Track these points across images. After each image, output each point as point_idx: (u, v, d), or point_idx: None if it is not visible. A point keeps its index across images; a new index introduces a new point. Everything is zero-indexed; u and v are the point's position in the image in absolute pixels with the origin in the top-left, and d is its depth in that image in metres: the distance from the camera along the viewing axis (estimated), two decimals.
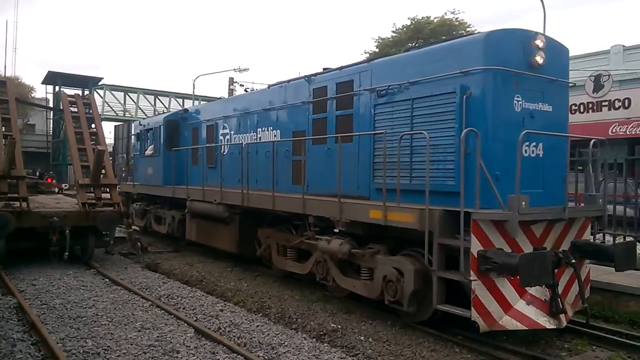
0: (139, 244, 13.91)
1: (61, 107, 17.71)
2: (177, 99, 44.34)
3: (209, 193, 11.89)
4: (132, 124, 19.95)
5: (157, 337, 7.05)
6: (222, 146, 12.57)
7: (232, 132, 12.38)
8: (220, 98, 15.09)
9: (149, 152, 15.68)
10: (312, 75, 9.94)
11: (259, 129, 11.33)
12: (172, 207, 14.43)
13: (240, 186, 10.55)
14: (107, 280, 10.62)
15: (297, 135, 10.07)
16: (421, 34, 36.14)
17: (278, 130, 10.70)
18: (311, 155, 9.61)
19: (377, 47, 38.00)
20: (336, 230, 8.32)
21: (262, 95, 11.69)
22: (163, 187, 14.39)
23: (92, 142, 13.87)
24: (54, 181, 29.34)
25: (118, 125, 40.25)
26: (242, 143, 11.28)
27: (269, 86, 11.51)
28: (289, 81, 10.64)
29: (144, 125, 16.47)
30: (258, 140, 11.23)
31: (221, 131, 12.84)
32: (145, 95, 43.13)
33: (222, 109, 13.19)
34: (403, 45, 34.73)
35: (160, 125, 15.02)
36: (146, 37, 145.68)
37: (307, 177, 9.58)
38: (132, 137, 18.74)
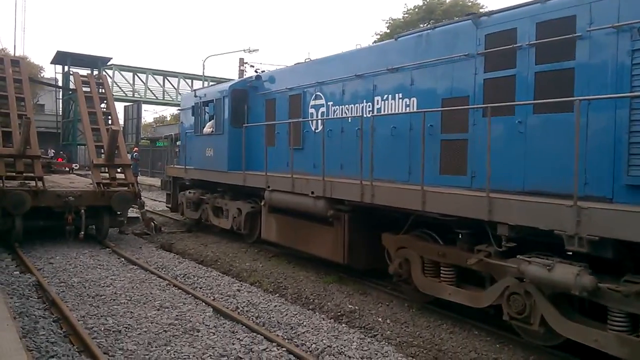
0: (152, 223, 13.97)
1: (73, 87, 17.42)
2: (186, 80, 44.12)
3: (301, 183, 9.28)
4: (183, 97, 17.14)
5: (177, 315, 7.11)
6: (315, 122, 10.12)
7: (331, 103, 9.68)
8: (307, 60, 11.83)
9: (207, 129, 13.04)
10: (482, 14, 7.22)
11: (378, 98, 8.61)
12: (237, 196, 12.18)
13: (356, 175, 8.10)
14: (123, 259, 10.69)
15: (449, 103, 7.35)
16: (433, 14, 35.69)
17: (413, 98, 7.98)
18: (480, 131, 6.75)
19: (387, 27, 37.58)
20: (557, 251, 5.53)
21: (381, 52, 8.89)
22: (228, 172, 11.78)
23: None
24: (64, 161, 29.49)
25: (128, 105, 40.36)
26: (346, 117, 9.11)
27: (396, 38, 8.72)
28: (434, 27, 7.94)
29: (200, 97, 13.52)
30: (376, 113, 8.47)
31: (311, 102, 10.25)
32: (154, 76, 42.91)
33: (312, 73, 10.30)
34: (415, 25, 34.35)
35: (224, 97, 12.28)
36: (155, 16, 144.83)
37: (473, 164, 6.96)
38: (181, 112, 16.02)
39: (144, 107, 42.44)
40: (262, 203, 10.65)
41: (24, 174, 11.68)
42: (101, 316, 6.99)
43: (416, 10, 36.86)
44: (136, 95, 41.69)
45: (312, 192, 8.92)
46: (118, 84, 40.15)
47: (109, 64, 40.46)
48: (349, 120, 9.08)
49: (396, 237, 7.82)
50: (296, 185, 9.41)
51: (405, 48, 8.21)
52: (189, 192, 13.95)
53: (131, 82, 42.07)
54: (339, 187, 8.44)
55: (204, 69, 44.56)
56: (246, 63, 36.57)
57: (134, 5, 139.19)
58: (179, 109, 16.78)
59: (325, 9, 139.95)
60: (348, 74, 9.25)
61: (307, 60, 11.58)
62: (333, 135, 9.42)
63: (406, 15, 37.29)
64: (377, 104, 8.62)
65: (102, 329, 6.50)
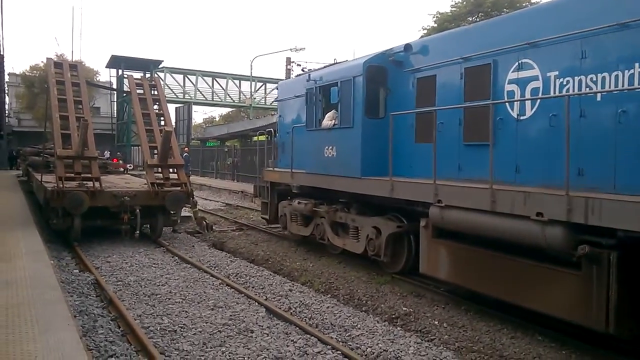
0: (204, 222, 14.16)
1: (127, 89, 17.78)
2: (234, 80, 44.87)
3: (511, 198, 6.26)
4: (283, 85, 14.08)
5: (230, 315, 7.10)
6: (518, 104, 7.08)
7: (555, 74, 6.62)
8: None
9: (327, 122, 10.21)
10: None
11: None
12: (367, 210, 9.55)
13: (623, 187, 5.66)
14: (177, 258, 10.85)
15: None
16: (482, 7, 34.67)
17: None
18: None
19: (435, 22, 36.83)
20: None
21: None
22: (362, 179, 9.07)
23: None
24: (119, 162, 30.51)
25: (179, 106, 41.36)
26: (594, 92, 6.10)
27: None
28: None
29: (316, 81, 10.61)
30: None
31: (510, 75, 7.23)
32: (204, 77, 43.87)
33: (509, 31, 7.36)
34: (463, 20, 33.50)
35: (354, 77, 9.33)
36: (203, 19, 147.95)
37: None
38: (281, 104, 13.34)
39: (194, 108, 43.39)
40: (423, 224, 7.76)
41: (82, 175, 12.05)
42: (157, 315, 7.06)
43: (464, 3, 35.93)
44: (186, 96, 42.75)
45: (540, 214, 5.84)
46: (169, 85, 41.26)
47: (160, 66, 41.62)
48: (598, 99, 6.09)
49: None
50: (500, 200, 6.38)
51: None
52: (297, 203, 11.13)
53: (181, 83, 43.16)
54: (611, 208, 5.21)
55: (251, 69, 45.27)
56: (293, 62, 36.69)
57: (183, 8, 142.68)
58: (276, 100, 13.73)
59: (371, 4, 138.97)
60: (592, 25, 6.09)
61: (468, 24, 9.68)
62: (558, 122, 6.35)
63: (454, 8, 36.41)
64: None
65: (158, 328, 6.56)
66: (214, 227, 14.38)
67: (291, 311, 7.42)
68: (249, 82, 44.02)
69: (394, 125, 8.64)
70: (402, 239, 8.81)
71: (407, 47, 9.10)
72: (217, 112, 67.01)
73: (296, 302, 7.76)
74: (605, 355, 5.76)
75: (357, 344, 6.22)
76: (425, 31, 35.69)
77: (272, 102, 45.59)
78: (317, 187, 10.65)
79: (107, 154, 31.25)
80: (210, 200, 22.84)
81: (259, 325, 6.74)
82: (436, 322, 6.92)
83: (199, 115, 77.74)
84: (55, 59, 20.05)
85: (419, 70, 8.88)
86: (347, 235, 9.99)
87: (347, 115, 9.59)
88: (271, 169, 12.85)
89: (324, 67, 11.73)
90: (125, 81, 23.27)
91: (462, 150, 7.93)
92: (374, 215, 9.31)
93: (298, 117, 11.93)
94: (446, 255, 7.53)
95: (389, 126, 8.61)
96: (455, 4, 36.40)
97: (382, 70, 9.36)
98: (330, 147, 10.10)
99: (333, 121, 10.07)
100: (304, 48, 54.03)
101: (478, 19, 33.60)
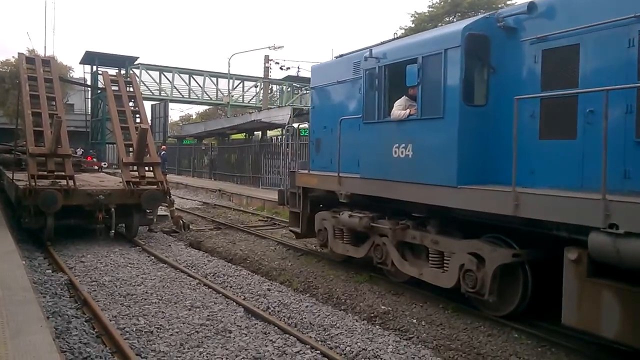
0: (181, 221, 14.00)
1: (102, 86, 17.43)
2: (212, 78, 44.48)
3: None
4: (320, 67, 11.17)
5: (208, 316, 7.03)
6: None
7: None
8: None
9: (398, 111, 7.75)
10: None
11: None
12: (453, 229, 7.40)
13: None
14: (153, 257, 10.69)
15: None
16: (459, 7, 35.12)
17: None
18: None
19: (413, 22, 37.12)
20: None
21: None
22: (460, 189, 6.66)
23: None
24: (93, 159, 30.00)
25: (155, 104, 40.83)
26: None
27: None
28: None
29: (379, 59, 8.08)
30: None
31: None
32: (180, 74, 43.38)
33: None
34: (440, 20, 33.87)
35: (448, 49, 6.86)
36: (180, 15, 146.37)
37: None
38: (315, 91, 10.83)
39: (171, 105, 42.91)
40: (572, 256, 5.39)
41: (55, 173, 11.79)
42: (133, 316, 6.95)
43: (441, 3, 36.30)
44: (163, 93, 42.24)
45: None
46: (145, 82, 40.69)
47: (135, 63, 41.04)
48: None
49: None
50: None
51: None
52: (349, 216, 8.77)
53: (158, 80, 42.59)
54: None
55: (229, 66, 44.65)
56: (271, 60, 36.55)
57: (159, 4, 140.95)
58: (309, 87, 11.58)
59: (349, 4, 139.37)
60: None
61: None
62: None
63: (431, 9, 36.76)
64: None
65: (134, 329, 6.45)
66: (191, 226, 14.23)
67: (270, 311, 7.38)
68: (226, 80, 43.67)
69: (503, 116, 6.55)
70: (515, 271, 6.55)
71: (532, 6, 6.54)
72: (194, 110, 66.39)
73: (275, 302, 7.72)
74: (579, 351, 5.86)
75: (336, 342, 6.21)
76: (403, 31, 35.96)
77: (250, 100, 45.46)
78: (375, 197, 8.30)
79: (79, 151, 30.63)
80: (187, 199, 22.61)
81: (237, 325, 6.68)
82: (414, 321, 6.96)
83: (176, 112, 76.85)
84: (28, 54, 19.57)
85: (547, 39, 6.32)
86: (424, 262, 7.77)
87: (433, 102, 7.08)
88: (306, 171, 10.42)
89: (388, 40, 9.18)
90: (100, 77, 22.93)
91: (630, 149, 5.53)
92: (466, 237, 7.08)
93: (342, 107, 9.61)
94: (618, 305, 5.08)
95: (497, 116, 6.65)
96: (433, 4, 36.77)
97: (485, 41, 6.86)
98: (403, 145, 7.61)
99: (407, 111, 7.62)
100: (283, 46, 53.80)
101: (455, 20, 34.08)
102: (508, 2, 32.62)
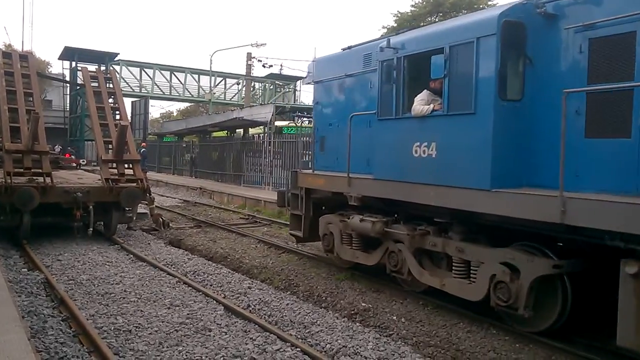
0: (161, 219, 13.87)
1: (81, 82, 17.14)
2: (193, 75, 44.11)
3: None
4: (324, 60, 10.06)
5: (188, 314, 6.98)
6: None
7: None
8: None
9: (421, 106, 6.98)
10: None
11: None
12: (480, 236, 6.75)
13: None
14: (132, 256, 10.58)
15: None
16: (441, 7, 35.44)
17: None
18: None
19: (395, 22, 37.33)
20: None
21: None
22: (495, 193, 5.98)
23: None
24: (72, 157, 29.53)
25: (135, 101, 40.36)
26: None
27: None
28: None
29: (397, 49, 7.38)
30: None
31: None
32: (161, 71, 42.92)
33: None
34: (422, 19, 34.12)
35: (480, 38, 6.20)
36: (161, 11, 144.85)
37: None
38: (318, 86, 10.06)
39: (151, 102, 42.45)
40: (630, 269, 4.87)
41: (32, 170, 11.58)
42: (111, 315, 6.86)
43: (424, 3, 36.58)
44: (143, 90, 41.76)
45: None
46: (125, 79, 40.18)
47: (116, 59, 40.50)
48: None
49: None
50: None
51: None
52: (360, 220, 8.07)
53: (138, 77, 42.10)
54: None
55: (211, 63, 44.27)
56: (254, 57, 36.38)
57: (140, 0, 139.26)
58: (312, 82, 10.34)
59: (332, 2, 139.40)
60: None
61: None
62: None
63: (414, 8, 37.02)
64: None
65: (112, 328, 6.37)
66: (170, 224, 14.11)
67: (250, 309, 7.36)
68: (208, 77, 43.36)
69: (540, 113, 6.06)
70: (553, 283, 5.94)
71: None
72: (175, 107, 65.76)
73: (255, 300, 7.70)
74: (555, 347, 5.95)
75: (316, 340, 6.21)
76: (386, 30, 36.13)
77: (232, 97, 45.21)
78: (389, 200, 7.68)
79: (57, 148, 30.14)
80: (167, 197, 22.41)
81: (217, 324, 6.64)
82: (394, 318, 7.00)
83: (156, 109, 76.00)
84: (4, 49, 19.18)
85: (595, 27, 5.66)
86: (444, 271, 7.18)
87: (462, 97, 6.42)
88: (310, 171, 9.72)
89: (409, 29, 8.49)
90: (79, 73, 22.54)
91: None
92: (495, 245, 6.43)
93: (350, 103, 9.00)
94: None
95: (533, 113, 6.11)
96: (415, 4, 37.07)
97: (521, 29, 6.17)
98: (425, 144, 6.91)
99: (431, 106, 6.90)
100: (265, 44, 53.72)
101: (437, 20, 34.36)
102: (489, 3, 33.05)
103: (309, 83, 10.50)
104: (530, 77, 6.27)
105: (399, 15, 37.41)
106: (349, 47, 9.52)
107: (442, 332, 6.50)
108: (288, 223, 14.34)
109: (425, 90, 7.13)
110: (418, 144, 7.04)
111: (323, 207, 9.74)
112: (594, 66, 5.67)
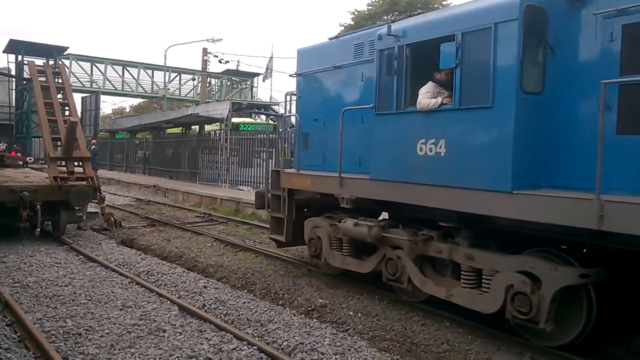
0: (112, 218, 13.49)
1: (27, 76, 16.43)
2: (147, 70, 43.01)
3: None
4: (309, 50, 9.35)
5: (141, 315, 6.81)
6: None
7: None
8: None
9: (424, 99, 6.39)
10: None
11: None
12: (490, 241, 6.30)
13: None
14: (82, 256, 10.24)
15: None
16: (397, 6, 35.90)
17: None
18: None
19: (352, 19, 37.60)
20: None
21: None
22: (518, 195, 5.44)
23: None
24: (18, 154, 28.31)
25: (86, 96, 39.06)
26: None
27: None
28: None
29: (399, 37, 6.73)
30: None
31: None
32: (113, 66, 41.62)
33: None
34: (379, 18, 34.49)
35: (499, 23, 5.62)
36: (113, 4, 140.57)
37: None
38: (305, 76, 9.21)
39: (103, 98, 41.16)
40: None
41: None
42: (60, 318, 6.61)
43: (380, 2, 36.97)
44: (94, 85, 40.39)
45: None
46: (75, 74, 38.78)
47: (65, 53, 39.04)
48: None
49: None
50: None
51: None
52: (353, 224, 7.47)
53: (89, 72, 40.71)
54: None
55: (165, 58, 43.25)
56: (210, 53, 35.85)
57: None
58: (294, 74, 9.61)
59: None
60: None
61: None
62: None
63: (370, 7, 37.38)
64: None
65: (61, 331, 6.15)
66: (123, 224, 13.74)
67: (206, 308, 7.25)
68: (162, 72, 42.37)
69: (563, 106, 5.58)
70: (577, 293, 5.47)
71: None
72: (127, 103, 64.02)
73: (211, 299, 7.60)
74: (504, 337, 6.14)
75: (273, 337, 6.19)
76: (343, 27, 36.33)
77: (187, 93, 44.40)
78: (387, 202, 7.15)
79: (2, 146, 28.83)
80: (120, 195, 21.82)
81: (172, 324, 6.52)
82: (351, 313, 7.05)
83: (108, 105, 73.88)
84: None
85: (629, 12, 5.12)
86: (449, 279, 6.68)
87: (478, 89, 5.84)
88: (294, 170, 8.90)
89: (413, 15, 8.01)
90: (26, 67, 21.60)
91: None
92: (506, 251, 5.93)
93: (339, 97, 8.41)
94: None
95: (554, 106, 5.60)
96: (372, 2, 37.41)
97: (543, 15, 5.63)
98: (432, 141, 6.29)
99: (439, 99, 6.30)
100: (222, 39, 52.70)
101: (393, 18, 34.74)
102: (444, 2, 33.72)
103: (292, 75, 9.83)
104: (551, 67, 5.70)
105: (356, 13, 37.70)
106: (337, 37, 9.00)
107: (397, 325, 6.60)
108: (245, 221, 14.45)
109: (429, 82, 6.54)
110: (424, 141, 6.39)
111: (306, 210, 9.15)
112: (628, 55, 5.09)
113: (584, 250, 5.65)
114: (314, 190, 8.46)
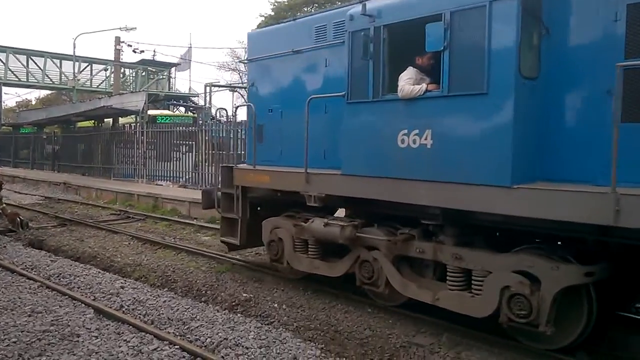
0: (18, 219, 12.57)
1: None
2: (54, 60, 40.31)
3: None
4: (261, 33, 9.06)
5: (52, 321, 6.41)
6: None
7: None
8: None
9: (406, 86, 5.82)
10: None
11: None
12: (476, 239, 5.87)
13: None
14: None
15: None
16: None
17: None
18: None
19: (272, 10, 37.32)
20: None
21: None
22: (518, 190, 4.95)
23: None
24: None
25: None
26: None
27: None
28: None
29: (375, 17, 6.06)
30: None
31: None
32: (16, 55, 38.64)
33: None
34: (298, 9, 34.47)
35: (493, 1, 5.08)
36: None
37: None
38: (258, 63, 8.44)
39: (5, 89, 38.15)
40: None
41: None
42: None
43: None
44: None
45: None
46: None
47: None
48: None
49: None
50: None
51: None
52: (323, 224, 6.80)
53: None
54: None
55: (74, 47, 40.43)
56: (123, 42, 34.21)
57: None
58: (246, 60, 9.26)
59: None
60: None
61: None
62: None
63: None
64: None
65: None
66: (30, 224, 12.84)
67: (123, 309, 6.96)
68: (71, 62, 39.87)
69: (560, 92, 5.18)
70: (577, 292, 5.13)
71: None
72: (33, 95, 59.70)
73: (129, 300, 7.30)
74: (421, 320, 6.39)
75: (196, 335, 6.06)
76: (264, 18, 35.98)
77: (99, 84, 42.16)
78: (361, 199, 6.49)
79: None
80: (26, 194, 20.38)
81: (87, 328, 6.20)
82: (276, 305, 7.06)
83: (11, 98, 68.47)
84: None
85: None
86: (435, 282, 6.17)
87: (470, 74, 5.31)
88: (249, 166, 8.12)
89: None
90: None
91: None
92: (495, 250, 5.51)
93: (298, 85, 7.72)
94: None
95: (550, 93, 5.19)
96: None
97: None
98: (416, 132, 5.70)
99: (423, 85, 5.74)
100: (136, 28, 50.58)
101: (313, 10, 34.91)
102: None
103: (241, 61, 9.29)
104: (546, 50, 5.25)
105: (276, 4, 37.45)
106: (294, 19, 8.33)
107: (321, 315, 6.69)
108: (164, 217, 14.01)
109: (409, 67, 6.02)
110: (406, 131, 5.80)
111: (259, 208, 8.43)
112: (634, 37, 4.69)
113: (584, 247, 5.26)
114: (274, 187, 7.72)
